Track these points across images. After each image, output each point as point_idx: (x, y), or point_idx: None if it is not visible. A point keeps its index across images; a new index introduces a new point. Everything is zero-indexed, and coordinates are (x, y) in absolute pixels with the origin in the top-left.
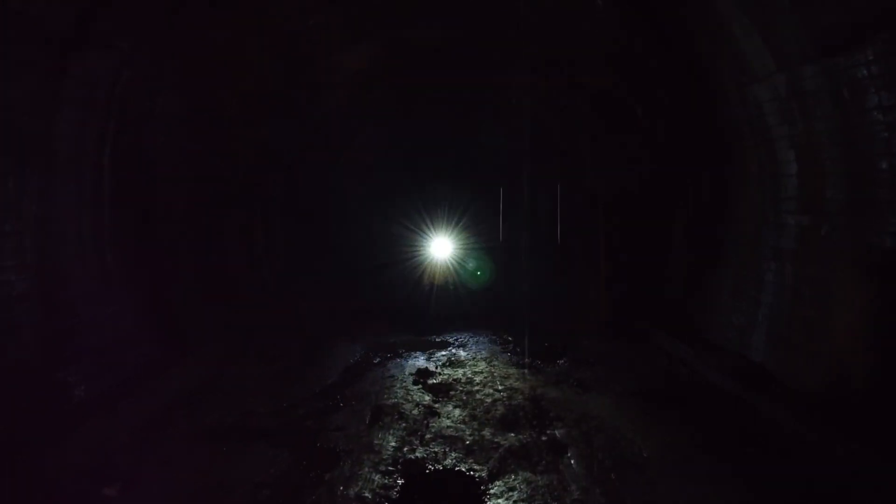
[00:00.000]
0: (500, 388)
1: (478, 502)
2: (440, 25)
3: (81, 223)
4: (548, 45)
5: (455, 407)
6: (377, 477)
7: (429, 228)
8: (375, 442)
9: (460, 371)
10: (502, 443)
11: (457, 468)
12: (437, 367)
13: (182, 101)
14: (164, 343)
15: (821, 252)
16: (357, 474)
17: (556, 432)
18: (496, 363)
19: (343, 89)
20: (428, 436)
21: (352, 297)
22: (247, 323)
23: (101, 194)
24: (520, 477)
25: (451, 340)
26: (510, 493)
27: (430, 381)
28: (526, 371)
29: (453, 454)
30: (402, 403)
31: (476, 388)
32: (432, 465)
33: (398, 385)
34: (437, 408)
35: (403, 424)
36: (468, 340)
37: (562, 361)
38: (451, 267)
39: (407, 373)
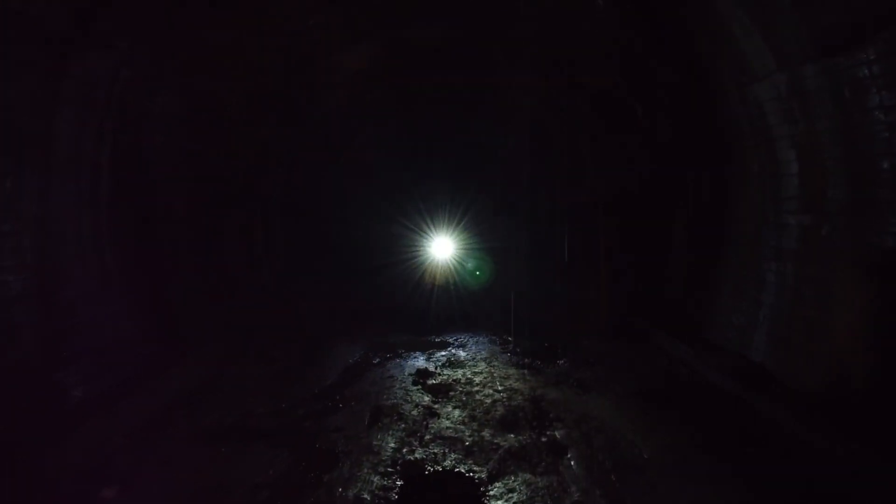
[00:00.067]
0: (499, 388)
1: None
2: (440, 25)
3: (80, 223)
4: (548, 44)
5: (454, 408)
6: (376, 478)
7: (430, 228)
8: (374, 443)
9: (460, 371)
10: (502, 444)
11: (456, 469)
12: (436, 368)
13: (182, 100)
14: (163, 343)
15: (822, 252)
16: (356, 475)
17: (556, 433)
18: (496, 363)
19: (343, 89)
20: (427, 437)
21: (352, 297)
22: (247, 323)
23: (99, 194)
24: (519, 478)
25: (450, 341)
26: (510, 495)
27: (429, 382)
28: (526, 371)
29: (453, 455)
30: (402, 404)
31: (476, 388)
32: (431, 467)
33: (397, 385)
34: (437, 408)
35: (403, 425)
36: (468, 341)
37: (562, 362)
38: (451, 267)
39: (406, 373)
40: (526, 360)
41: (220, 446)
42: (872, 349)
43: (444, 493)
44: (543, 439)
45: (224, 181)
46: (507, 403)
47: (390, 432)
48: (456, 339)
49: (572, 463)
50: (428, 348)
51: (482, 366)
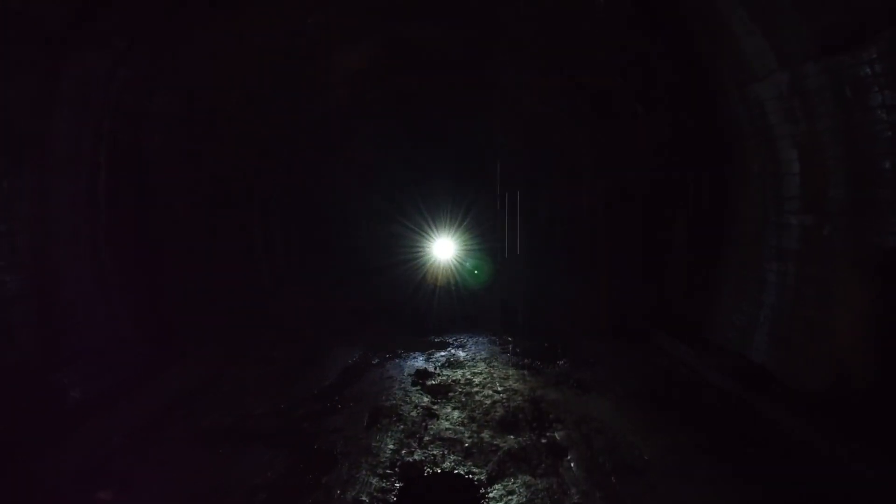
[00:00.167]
0: (499, 389)
1: None
2: (440, 25)
3: (78, 223)
4: (548, 44)
5: (454, 408)
6: (375, 480)
7: (431, 229)
8: (373, 444)
9: (459, 372)
10: (501, 445)
11: (455, 471)
12: (435, 369)
13: (181, 100)
14: (163, 343)
15: (823, 252)
16: (354, 477)
17: (556, 434)
18: (495, 364)
19: (343, 89)
20: (426, 438)
21: (352, 297)
22: (246, 323)
23: (98, 194)
24: (519, 480)
25: (450, 341)
26: (509, 497)
27: (428, 383)
28: (525, 372)
29: (452, 457)
30: (401, 405)
31: (475, 389)
32: (431, 468)
33: (397, 386)
34: (436, 409)
35: (402, 426)
36: (468, 341)
37: (562, 362)
38: (452, 268)
39: (406, 374)
40: (526, 360)
41: (219, 447)
42: (873, 349)
43: (444, 495)
44: (543, 441)
45: (223, 181)
46: (506, 404)
47: (389, 433)
48: (456, 340)
49: (572, 464)
50: (427, 349)
51: (482, 366)
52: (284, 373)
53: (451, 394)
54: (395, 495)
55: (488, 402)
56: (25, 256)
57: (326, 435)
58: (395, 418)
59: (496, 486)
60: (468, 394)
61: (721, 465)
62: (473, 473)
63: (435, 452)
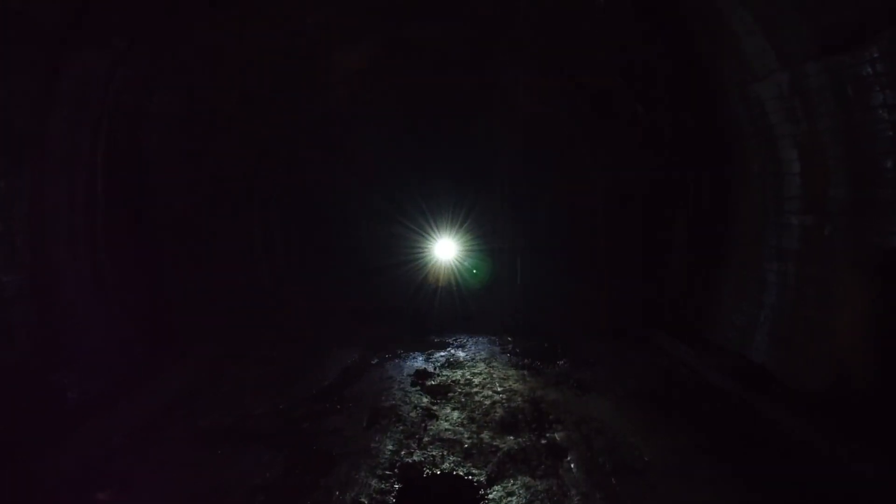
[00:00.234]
0: (498, 389)
1: None
2: (440, 24)
3: (77, 223)
4: (548, 44)
5: (453, 409)
6: (374, 481)
7: (432, 230)
8: (372, 445)
9: (459, 372)
10: (501, 446)
11: (455, 472)
12: (435, 369)
13: (180, 100)
14: (162, 343)
15: (824, 252)
16: (353, 478)
17: (556, 435)
18: (495, 364)
19: (343, 88)
20: (426, 439)
21: (352, 297)
22: (246, 323)
23: (96, 194)
24: (518, 481)
25: (450, 341)
26: (509, 499)
27: (428, 383)
28: (525, 372)
29: (451, 458)
30: (400, 405)
31: (475, 389)
32: (430, 469)
33: (396, 387)
34: (436, 410)
35: (401, 427)
36: (467, 341)
37: (561, 362)
38: (452, 268)
39: (405, 374)
40: (525, 360)
41: (218, 448)
42: (874, 350)
43: (443, 497)
44: (543, 441)
45: (223, 181)
46: (506, 405)
47: (388, 434)
48: (455, 340)
49: (572, 465)
50: (427, 349)
51: (481, 366)
52: (284, 373)
53: (450, 394)
54: (394, 496)
55: (488, 402)
56: (25, 256)
57: (326, 435)
58: (394, 419)
59: (496, 488)
60: (468, 394)
61: (721, 465)
62: (473, 475)
63: (434, 453)
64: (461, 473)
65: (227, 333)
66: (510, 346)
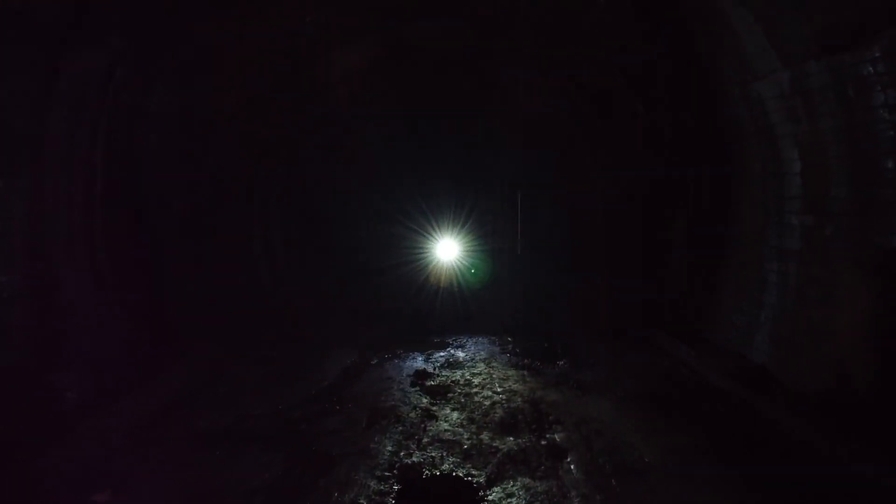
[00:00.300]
0: (498, 390)
1: None
2: (440, 25)
3: (75, 223)
4: (548, 44)
5: (453, 410)
6: (373, 482)
7: (434, 230)
8: (371, 446)
9: (458, 373)
10: (501, 447)
11: (454, 473)
12: (435, 369)
13: (180, 100)
14: (162, 343)
15: (825, 252)
16: (352, 479)
17: (556, 436)
18: (495, 364)
19: (343, 88)
20: (425, 440)
21: (351, 298)
22: (245, 323)
23: (95, 194)
24: (518, 483)
25: (450, 341)
26: (509, 500)
27: (427, 383)
28: (525, 373)
29: (451, 459)
30: (400, 406)
31: (474, 390)
32: (429, 471)
33: (395, 387)
34: (435, 410)
35: (400, 428)
36: (467, 341)
37: (562, 363)
38: (453, 268)
39: (405, 374)
40: (525, 360)
41: (216, 449)
42: (874, 350)
43: (442, 498)
44: (543, 442)
45: (223, 181)
46: (505, 405)
47: (388, 435)
48: (455, 340)
49: (572, 467)
50: (427, 349)
51: (481, 367)
52: (284, 373)
53: (450, 395)
54: (393, 498)
55: (487, 403)
56: (24, 256)
57: (325, 436)
58: (393, 419)
59: (495, 489)
60: (467, 395)
61: (721, 465)
62: (472, 476)
63: (433, 454)
64: (461, 474)
65: (227, 333)
66: (510, 347)
